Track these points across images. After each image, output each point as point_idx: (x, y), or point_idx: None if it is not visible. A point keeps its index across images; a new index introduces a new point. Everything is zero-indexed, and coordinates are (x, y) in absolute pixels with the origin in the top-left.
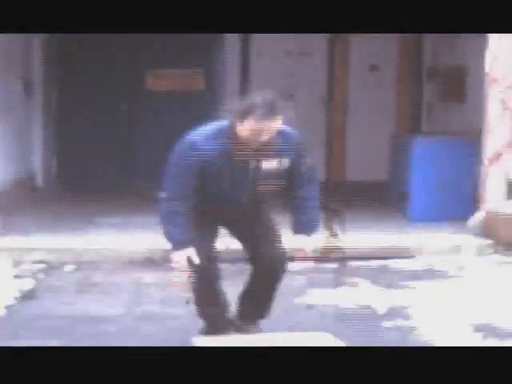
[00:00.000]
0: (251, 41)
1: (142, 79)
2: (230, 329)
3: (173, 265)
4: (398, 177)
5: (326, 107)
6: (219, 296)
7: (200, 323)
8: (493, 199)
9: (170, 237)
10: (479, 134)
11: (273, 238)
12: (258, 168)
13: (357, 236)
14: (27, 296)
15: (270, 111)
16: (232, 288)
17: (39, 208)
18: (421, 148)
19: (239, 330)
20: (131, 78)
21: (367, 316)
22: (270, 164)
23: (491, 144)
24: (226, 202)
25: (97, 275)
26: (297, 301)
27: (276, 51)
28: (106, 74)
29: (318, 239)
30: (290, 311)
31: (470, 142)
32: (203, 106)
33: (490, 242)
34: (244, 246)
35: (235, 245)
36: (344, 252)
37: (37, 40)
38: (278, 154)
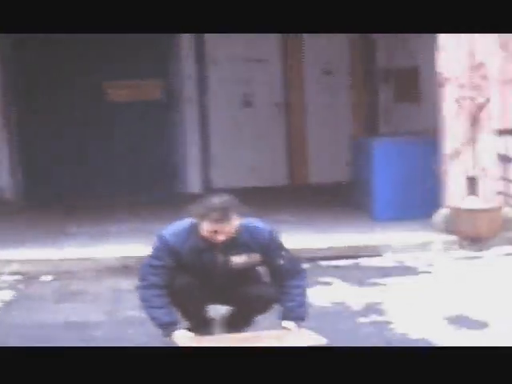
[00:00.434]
0: (207, 49)
1: (100, 90)
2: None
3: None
4: (360, 178)
5: (284, 112)
6: (202, 311)
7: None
8: (454, 196)
9: (155, 320)
10: (435, 132)
11: (254, 282)
12: (227, 263)
13: (325, 236)
14: (8, 306)
15: (224, 216)
16: None
17: (11, 221)
18: (380, 149)
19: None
20: (90, 90)
21: (343, 313)
22: (239, 259)
23: (449, 142)
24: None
25: (75, 284)
26: None
27: (231, 59)
28: (66, 86)
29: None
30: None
31: (427, 140)
32: (161, 115)
33: (454, 237)
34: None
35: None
36: None
37: None
38: (246, 249)
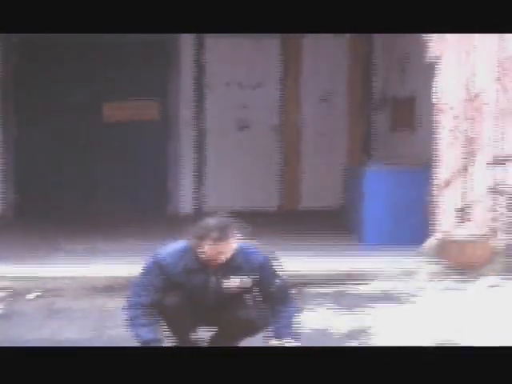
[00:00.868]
0: (205, 72)
1: (99, 110)
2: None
3: None
4: (352, 204)
5: (279, 137)
6: (190, 331)
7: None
8: (445, 225)
9: (139, 337)
10: (429, 161)
11: (244, 306)
12: (219, 285)
13: (313, 262)
14: None
15: (223, 235)
16: None
17: (1, 236)
18: (373, 176)
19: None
20: (88, 109)
21: (327, 339)
22: (231, 282)
23: (442, 171)
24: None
25: (61, 302)
26: None
27: (229, 82)
28: (64, 103)
29: None
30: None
31: (420, 169)
32: (158, 136)
33: (442, 266)
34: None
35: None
36: None
37: None
38: (240, 272)
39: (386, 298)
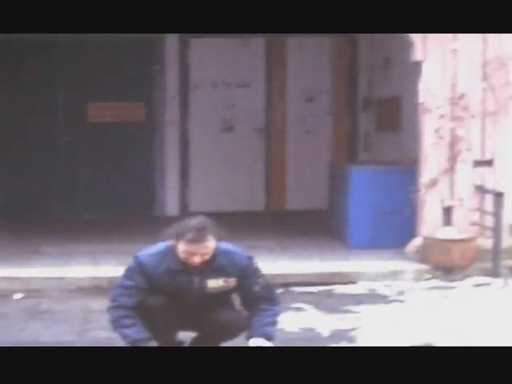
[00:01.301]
0: (190, 73)
1: (83, 111)
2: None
3: None
4: (337, 205)
5: (265, 137)
6: (172, 332)
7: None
8: (429, 225)
9: (127, 338)
10: (414, 162)
11: (226, 308)
12: (202, 286)
13: (299, 262)
14: None
15: (200, 237)
16: None
17: None
18: (358, 177)
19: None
20: (73, 110)
21: (312, 339)
22: (215, 283)
23: (427, 171)
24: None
25: (45, 303)
26: None
27: (214, 83)
28: (48, 105)
29: None
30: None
31: (405, 170)
32: (143, 137)
33: (427, 267)
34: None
35: None
36: None
37: None
38: (223, 273)
39: (372, 298)
